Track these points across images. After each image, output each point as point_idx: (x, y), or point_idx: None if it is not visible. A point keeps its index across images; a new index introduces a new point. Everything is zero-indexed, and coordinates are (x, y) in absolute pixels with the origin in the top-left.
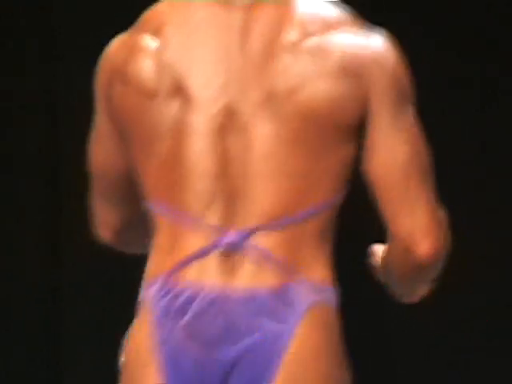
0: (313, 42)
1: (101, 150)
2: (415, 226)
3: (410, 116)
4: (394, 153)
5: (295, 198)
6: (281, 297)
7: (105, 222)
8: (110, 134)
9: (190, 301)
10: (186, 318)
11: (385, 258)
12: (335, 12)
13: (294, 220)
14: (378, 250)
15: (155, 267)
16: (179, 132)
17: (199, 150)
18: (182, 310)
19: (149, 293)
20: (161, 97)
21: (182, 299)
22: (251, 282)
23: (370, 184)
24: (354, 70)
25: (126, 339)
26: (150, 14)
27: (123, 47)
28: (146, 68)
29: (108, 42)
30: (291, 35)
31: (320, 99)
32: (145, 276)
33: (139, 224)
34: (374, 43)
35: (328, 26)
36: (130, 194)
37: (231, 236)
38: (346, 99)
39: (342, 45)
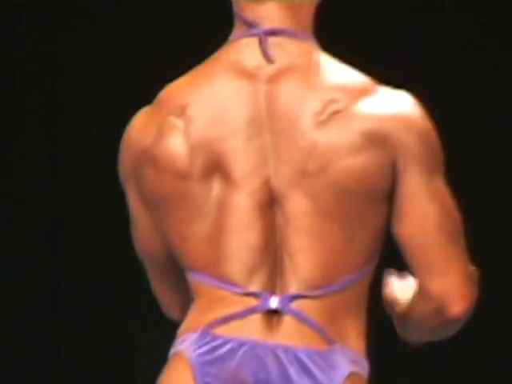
0: (337, 111)
1: (141, 236)
2: (449, 288)
3: (439, 179)
4: (426, 214)
5: (333, 268)
6: (321, 358)
7: (168, 302)
8: (145, 218)
9: (232, 352)
10: (228, 364)
11: (409, 309)
12: (357, 77)
13: (332, 289)
14: (394, 282)
15: (192, 323)
16: (222, 210)
17: (243, 225)
18: (223, 360)
19: (184, 344)
20: (195, 177)
21: (223, 350)
22: (292, 343)
23: (402, 245)
24: (381, 138)
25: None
26: (170, 93)
27: (148, 128)
28: (177, 150)
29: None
30: (315, 105)
31: (350, 174)
32: (179, 333)
33: None
34: (399, 107)
35: (351, 93)
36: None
37: (273, 302)
38: (377, 169)
39: (365, 112)
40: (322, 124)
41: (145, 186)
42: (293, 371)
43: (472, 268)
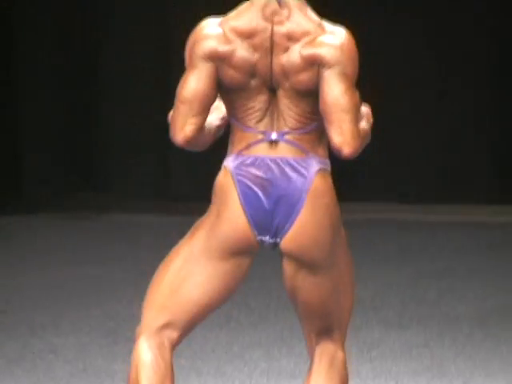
0: (306, 41)
1: (199, 87)
2: (342, 141)
3: (350, 79)
4: (336, 94)
5: (304, 119)
6: (302, 162)
7: (191, 123)
8: (207, 83)
9: (252, 163)
10: (252, 171)
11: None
12: (317, 21)
13: (305, 130)
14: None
15: (230, 150)
16: (249, 94)
17: (258, 101)
18: (248, 166)
19: (228, 160)
20: (248, 77)
21: (248, 161)
22: (285, 155)
23: (322, 114)
24: (316, 59)
25: (214, 186)
26: (228, 19)
27: (221, 38)
28: (243, 57)
29: None
30: (295, 37)
31: (299, 79)
32: (227, 154)
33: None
34: (336, 39)
35: (314, 30)
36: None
37: (273, 135)
38: (313, 76)
39: (317, 42)
40: (288, 50)
41: (221, 73)
42: (287, 169)
43: (363, 128)
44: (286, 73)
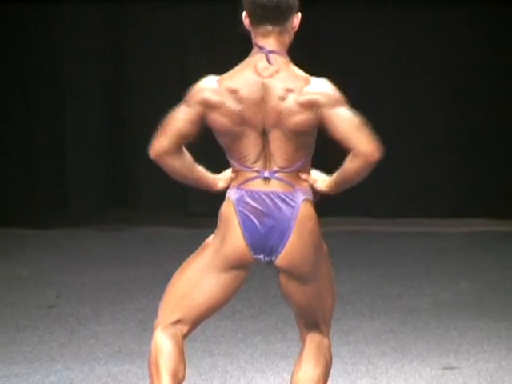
0: (292, 90)
1: (183, 123)
2: (374, 147)
3: (345, 106)
4: (344, 119)
5: (292, 159)
6: (290, 195)
7: (162, 142)
8: (192, 121)
9: (251, 196)
10: (249, 203)
11: (341, 173)
12: (303, 74)
13: (292, 168)
14: (318, 175)
15: (233, 184)
16: (242, 139)
17: (253, 144)
18: (247, 199)
19: (230, 193)
20: (237, 123)
21: (246, 194)
22: (276, 190)
23: (339, 141)
24: (311, 104)
25: (219, 214)
26: (225, 78)
27: (218, 92)
28: (232, 108)
29: None
30: (284, 88)
31: (295, 123)
32: (229, 188)
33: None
34: (321, 87)
35: (299, 82)
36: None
37: (266, 173)
38: (308, 120)
39: (305, 92)
40: (284, 99)
41: (211, 119)
42: (278, 201)
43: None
44: (284, 118)
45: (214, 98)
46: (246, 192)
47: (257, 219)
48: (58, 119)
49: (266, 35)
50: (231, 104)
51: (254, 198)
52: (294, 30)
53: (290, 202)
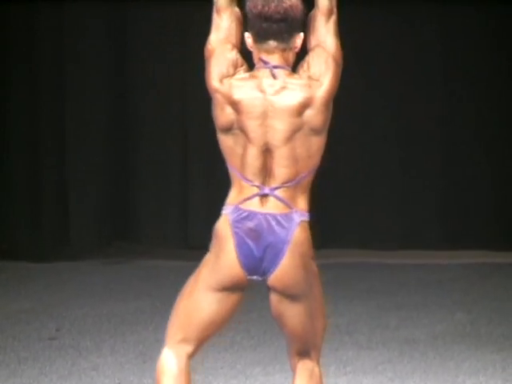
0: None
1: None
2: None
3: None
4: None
5: (293, 174)
6: (286, 217)
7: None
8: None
9: (247, 216)
10: (245, 225)
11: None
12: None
13: (293, 183)
14: None
15: (231, 200)
16: (246, 150)
17: (254, 158)
18: (243, 219)
19: (227, 210)
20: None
21: (244, 215)
22: (273, 210)
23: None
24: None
25: (215, 229)
26: (232, 84)
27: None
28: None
29: None
30: (291, 103)
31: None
32: (226, 203)
33: None
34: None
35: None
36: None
37: (266, 190)
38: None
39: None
40: (301, 113)
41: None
42: (273, 223)
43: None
44: (305, 126)
45: (223, 88)
46: (244, 212)
47: (252, 241)
48: (59, 155)
49: (270, 51)
50: (228, 112)
51: (250, 219)
52: (297, 50)
53: (286, 224)
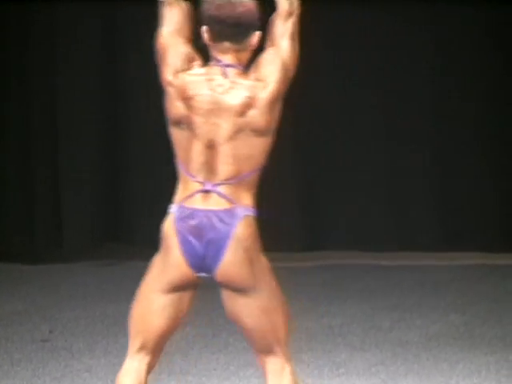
0: (248, 98)
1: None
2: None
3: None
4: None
5: (236, 171)
6: (228, 213)
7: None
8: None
9: (190, 214)
10: (188, 222)
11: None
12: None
13: (235, 180)
14: None
15: (176, 199)
16: (192, 144)
17: (198, 153)
18: (186, 217)
19: (173, 209)
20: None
21: (186, 212)
22: (215, 207)
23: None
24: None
25: (162, 229)
26: (185, 76)
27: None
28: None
29: None
30: (238, 99)
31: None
32: (173, 202)
33: None
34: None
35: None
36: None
37: (208, 186)
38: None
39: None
40: (244, 113)
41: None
42: (214, 220)
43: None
44: (247, 125)
45: (176, 81)
46: (187, 210)
47: (195, 238)
48: (52, 156)
49: (224, 51)
50: (179, 107)
51: (193, 217)
52: (252, 48)
53: (228, 220)
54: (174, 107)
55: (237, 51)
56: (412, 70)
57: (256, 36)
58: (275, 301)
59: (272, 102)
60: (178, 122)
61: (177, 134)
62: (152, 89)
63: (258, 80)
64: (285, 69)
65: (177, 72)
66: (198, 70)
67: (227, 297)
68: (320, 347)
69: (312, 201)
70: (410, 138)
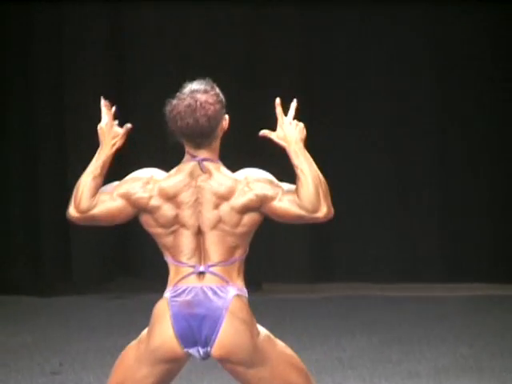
0: (222, 195)
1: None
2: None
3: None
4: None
5: (226, 256)
6: (221, 290)
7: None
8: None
9: (183, 291)
10: (182, 298)
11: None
12: (232, 176)
13: (226, 263)
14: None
15: (169, 283)
16: (178, 234)
17: (188, 242)
18: (180, 294)
19: (167, 292)
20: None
21: (180, 291)
22: (210, 284)
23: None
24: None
25: (155, 307)
26: (160, 176)
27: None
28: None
29: None
30: (215, 193)
31: (231, 218)
32: (167, 287)
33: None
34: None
35: (230, 184)
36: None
37: (201, 268)
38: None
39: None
40: (218, 206)
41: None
42: (210, 293)
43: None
44: (223, 221)
45: (147, 200)
46: (181, 287)
47: (188, 312)
48: (60, 187)
49: (196, 148)
50: (167, 210)
51: (187, 292)
52: (223, 131)
53: (222, 294)
54: (163, 213)
55: (209, 145)
56: (413, 84)
57: (225, 120)
58: (287, 366)
59: (245, 208)
60: (169, 227)
61: (161, 236)
62: (159, 89)
63: (237, 181)
64: (267, 200)
65: (145, 189)
66: (167, 173)
67: (231, 371)
68: (330, 380)
69: (320, 234)
70: (411, 170)
